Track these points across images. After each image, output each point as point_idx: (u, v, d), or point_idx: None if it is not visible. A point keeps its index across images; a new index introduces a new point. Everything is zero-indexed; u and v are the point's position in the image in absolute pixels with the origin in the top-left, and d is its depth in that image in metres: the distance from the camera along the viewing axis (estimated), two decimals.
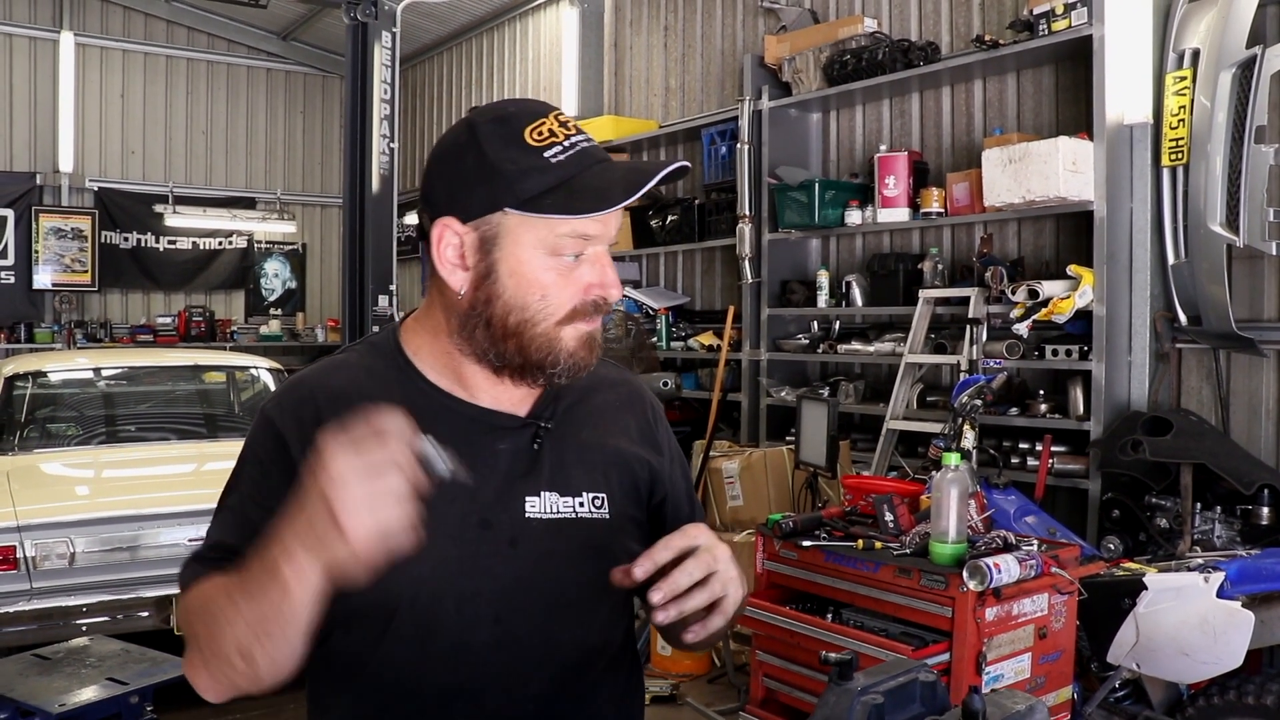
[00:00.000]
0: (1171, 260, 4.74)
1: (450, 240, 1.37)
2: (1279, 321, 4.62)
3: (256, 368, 6.31)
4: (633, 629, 1.61)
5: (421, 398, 1.42)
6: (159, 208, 11.08)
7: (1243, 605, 3.18)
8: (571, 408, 1.50)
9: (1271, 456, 4.64)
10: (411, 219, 11.02)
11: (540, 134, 1.33)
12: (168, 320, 11.30)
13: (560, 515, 1.43)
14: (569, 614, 1.44)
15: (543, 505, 1.42)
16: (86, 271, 11.16)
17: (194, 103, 11.91)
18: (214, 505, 4.11)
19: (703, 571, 1.27)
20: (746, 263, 6.71)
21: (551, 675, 1.42)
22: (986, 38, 5.36)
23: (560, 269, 1.34)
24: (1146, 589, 3.29)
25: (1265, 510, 4.24)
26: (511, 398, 1.45)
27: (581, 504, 1.45)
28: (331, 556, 1.11)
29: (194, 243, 11.84)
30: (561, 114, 1.37)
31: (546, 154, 1.32)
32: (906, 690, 1.27)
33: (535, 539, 1.41)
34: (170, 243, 11.68)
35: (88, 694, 2.26)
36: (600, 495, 1.47)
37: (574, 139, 1.34)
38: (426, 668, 1.37)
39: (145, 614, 4.37)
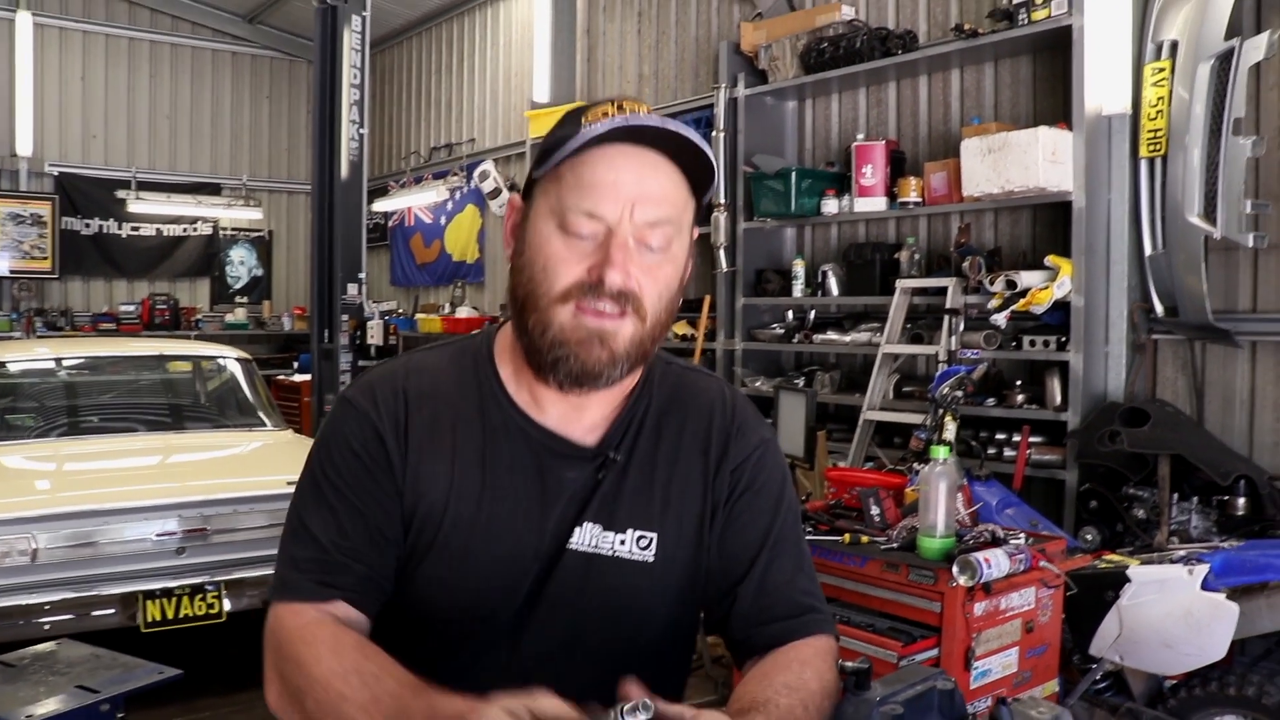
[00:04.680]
0: (1149, 251, 4.74)
1: (512, 215, 1.38)
2: (1254, 313, 4.64)
3: (224, 357, 6.19)
4: (683, 686, 1.52)
5: (498, 412, 1.40)
6: (121, 193, 10.91)
7: (1226, 597, 3.17)
8: (645, 435, 1.43)
9: (1245, 447, 4.66)
10: (380, 205, 10.90)
11: (593, 114, 1.30)
12: (131, 308, 11.13)
13: (597, 550, 1.38)
14: (586, 656, 1.39)
15: (582, 537, 1.37)
16: (46, 258, 10.95)
17: (157, 86, 11.71)
18: (181, 499, 4.03)
19: None
20: (721, 251, 6.68)
21: None
22: (966, 26, 5.33)
23: (569, 244, 1.28)
24: (1130, 581, 3.28)
25: (1241, 501, 4.26)
26: (582, 421, 1.40)
27: (623, 541, 1.38)
28: None
29: (158, 229, 11.67)
30: (631, 101, 1.31)
31: (583, 128, 1.28)
32: (925, 699, 1.24)
33: (567, 571, 1.37)
34: (133, 229, 11.50)
35: (56, 703, 2.17)
36: (648, 536, 1.39)
37: (618, 117, 1.28)
38: (443, 680, 1.32)
39: (110, 611, 4.27)
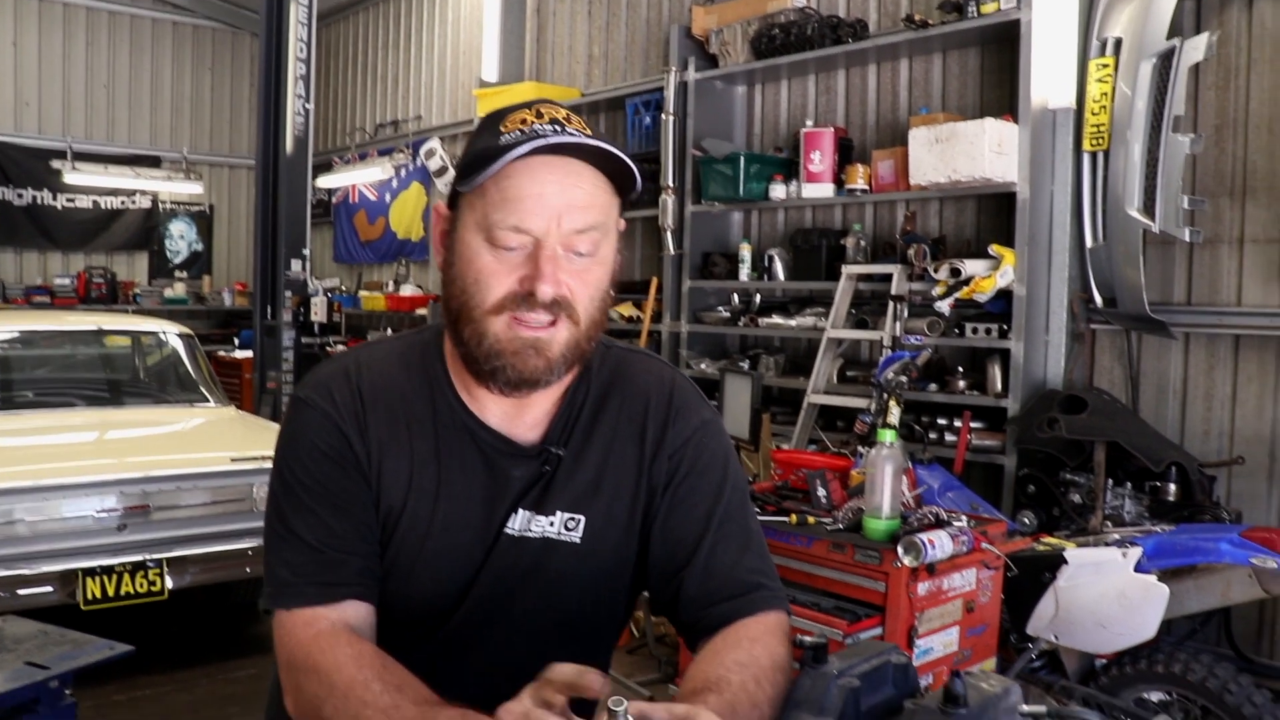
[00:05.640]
0: (1089, 243, 4.84)
1: (439, 224, 1.39)
2: (1188, 305, 4.77)
3: (165, 332, 6.10)
4: (608, 663, 1.56)
5: (447, 412, 1.42)
6: (56, 163, 10.64)
7: (1158, 579, 3.28)
8: (583, 423, 1.45)
9: (1177, 435, 4.80)
10: (324, 181, 10.77)
11: (512, 122, 1.31)
12: (66, 281, 10.88)
13: (528, 534, 1.41)
14: (517, 632, 1.43)
15: (516, 522, 1.41)
16: None
17: (94, 54, 11.40)
18: (122, 475, 4.00)
19: None
20: (669, 234, 6.70)
21: (497, 693, 1.35)
22: (916, 17, 5.39)
23: (498, 257, 1.30)
24: (1067, 563, 3.38)
25: (1173, 486, 4.40)
26: (524, 419, 1.42)
27: (553, 524, 1.41)
28: None
29: (94, 201, 11.40)
30: (549, 107, 1.32)
31: (501, 139, 1.29)
32: (880, 672, 1.27)
33: (501, 553, 1.40)
34: (69, 200, 11.22)
35: (4, 679, 2.14)
36: (577, 518, 1.42)
37: (537, 126, 1.29)
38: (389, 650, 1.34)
39: (49, 589, 4.21)
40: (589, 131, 1.32)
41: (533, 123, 1.30)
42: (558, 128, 1.29)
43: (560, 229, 1.29)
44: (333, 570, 1.33)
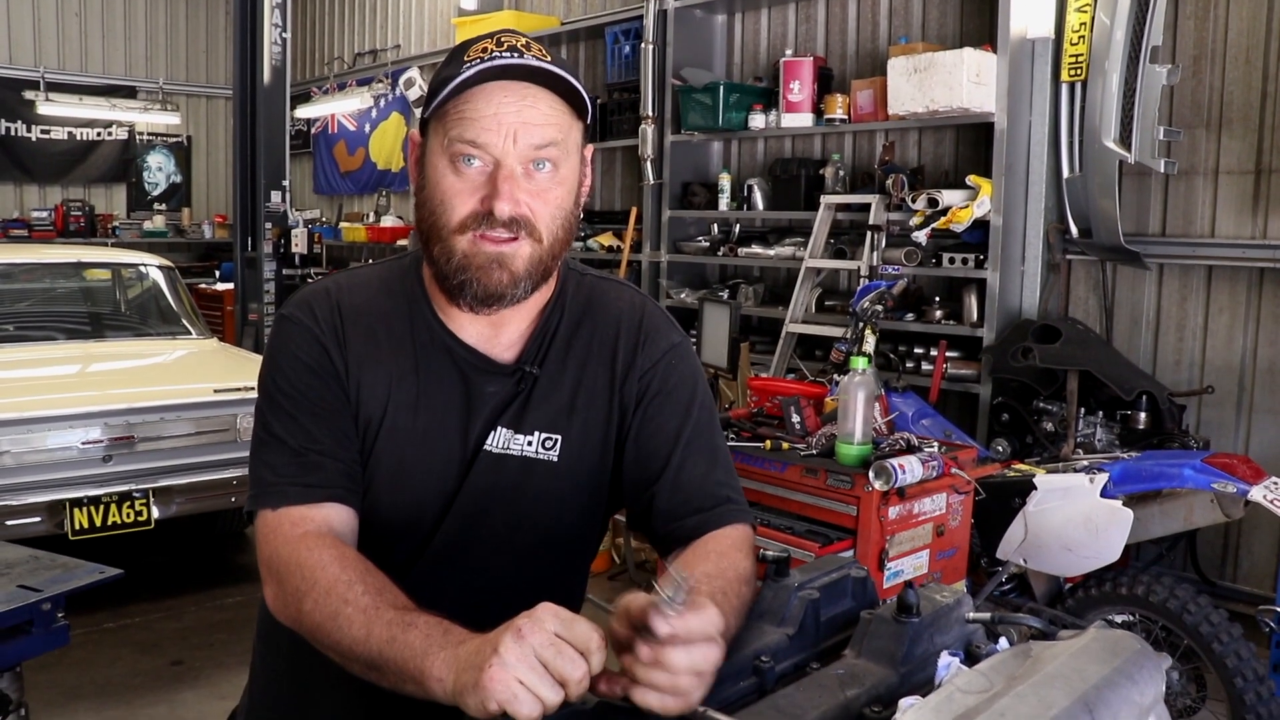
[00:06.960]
0: (1066, 174, 4.87)
1: (413, 151, 1.45)
2: (1163, 236, 4.82)
3: (146, 265, 6.08)
4: (585, 581, 1.62)
5: (425, 331, 1.46)
6: (29, 94, 10.47)
7: (1123, 504, 3.36)
8: (557, 346, 1.49)
9: (1149, 365, 4.87)
10: (303, 111, 10.67)
11: (474, 51, 1.35)
12: (44, 214, 10.78)
13: (507, 451, 1.46)
14: (497, 549, 1.48)
15: (496, 440, 1.45)
16: None
17: None
18: (106, 407, 4.03)
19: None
20: (648, 164, 6.70)
21: (475, 608, 1.34)
22: None
23: (461, 178, 1.35)
24: (1036, 489, 3.46)
25: (1143, 415, 4.48)
26: (500, 340, 1.47)
27: (530, 443, 1.46)
28: (463, 684, 1.05)
29: (70, 133, 11.26)
30: (510, 36, 1.37)
31: (464, 66, 1.34)
32: (839, 585, 1.33)
33: (480, 471, 1.45)
34: (44, 132, 11.08)
35: None
36: (554, 437, 1.47)
37: (496, 53, 1.34)
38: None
39: (37, 519, 4.25)
40: (547, 57, 1.36)
41: (493, 50, 1.34)
42: (516, 55, 1.34)
43: (517, 147, 1.34)
44: (313, 472, 1.38)
